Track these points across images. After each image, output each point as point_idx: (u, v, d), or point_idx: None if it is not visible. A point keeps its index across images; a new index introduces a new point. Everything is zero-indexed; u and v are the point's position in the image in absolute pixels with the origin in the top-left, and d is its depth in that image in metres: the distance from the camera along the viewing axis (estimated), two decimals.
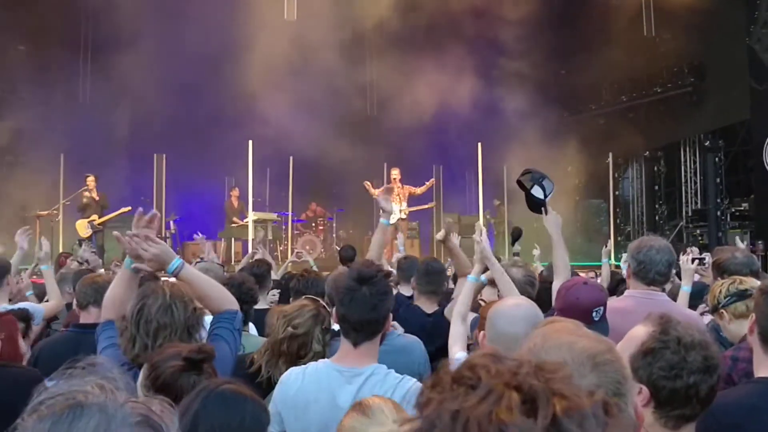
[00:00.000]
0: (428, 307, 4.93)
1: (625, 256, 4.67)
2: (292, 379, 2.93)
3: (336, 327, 3.21)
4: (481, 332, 2.90)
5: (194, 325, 2.90)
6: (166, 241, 15.67)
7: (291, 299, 5.30)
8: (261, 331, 4.51)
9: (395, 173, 15.15)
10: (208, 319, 3.13)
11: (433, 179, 15.05)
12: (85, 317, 4.20)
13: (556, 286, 4.14)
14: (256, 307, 4.59)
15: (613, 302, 4.34)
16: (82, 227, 13.87)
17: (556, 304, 3.54)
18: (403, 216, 14.63)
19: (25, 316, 4.25)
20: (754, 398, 2.38)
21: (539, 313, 2.83)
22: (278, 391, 2.93)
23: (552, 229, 4.44)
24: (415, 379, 2.81)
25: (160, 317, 2.82)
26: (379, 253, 4.74)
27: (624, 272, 4.93)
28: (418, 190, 14.94)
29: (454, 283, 5.89)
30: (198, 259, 6.85)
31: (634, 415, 1.36)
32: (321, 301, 3.58)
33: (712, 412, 2.12)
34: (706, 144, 16.07)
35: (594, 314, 3.31)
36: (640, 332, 2.02)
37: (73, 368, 1.22)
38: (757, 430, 2.33)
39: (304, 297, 3.67)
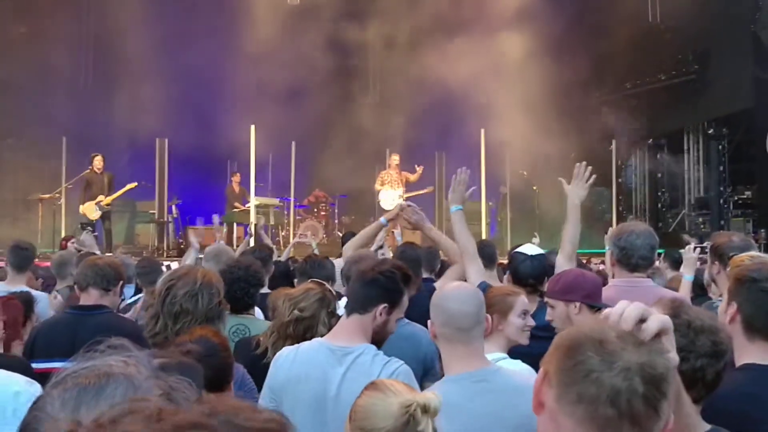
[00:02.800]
0: None
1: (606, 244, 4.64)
2: (284, 358, 3.01)
3: (341, 311, 3.27)
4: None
5: (214, 317, 2.94)
6: (167, 226, 15.82)
7: (296, 281, 5.34)
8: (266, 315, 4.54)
9: (395, 159, 15.22)
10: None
11: (422, 166, 15.13)
12: (85, 299, 4.17)
13: (558, 262, 4.12)
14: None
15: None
16: (91, 210, 13.78)
17: (581, 292, 3.52)
18: (401, 201, 14.65)
19: (28, 300, 4.26)
20: (754, 386, 2.39)
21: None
22: (271, 370, 3.02)
23: (571, 199, 4.36)
24: (402, 362, 2.88)
25: (184, 302, 2.88)
26: (359, 245, 4.85)
27: (607, 261, 4.91)
28: (412, 177, 15.04)
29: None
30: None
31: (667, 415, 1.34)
32: (327, 285, 3.60)
33: (717, 401, 2.14)
34: (710, 132, 16.04)
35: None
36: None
37: (94, 349, 1.23)
38: (761, 417, 2.34)
39: (309, 280, 3.69)
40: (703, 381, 1.99)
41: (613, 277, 4.03)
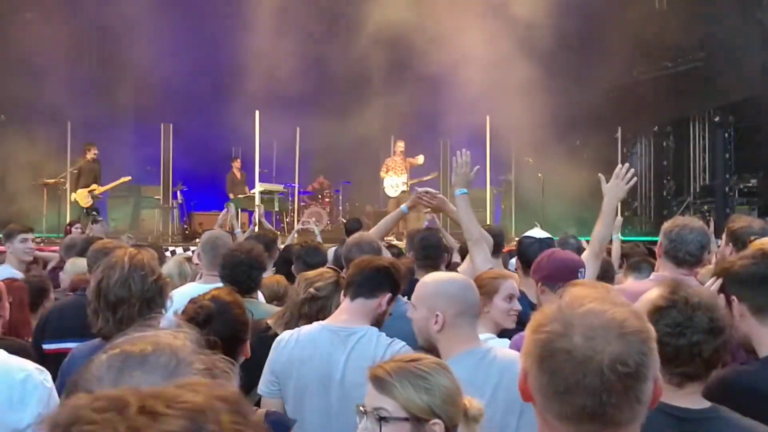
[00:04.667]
0: None
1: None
2: (286, 341, 3.07)
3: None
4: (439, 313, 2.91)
5: (154, 297, 2.86)
6: (173, 212, 15.87)
7: (293, 267, 5.41)
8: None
9: (400, 145, 15.24)
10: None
11: (421, 155, 15.20)
12: None
13: (585, 258, 4.08)
14: None
15: (633, 285, 4.32)
16: (83, 197, 13.87)
17: (541, 272, 3.55)
18: (405, 189, 14.74)
19: (42, 287, 4.29)
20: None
21: None
22: (272, 354, 3.04)
23: (607, 198, 4.27)
24: (404, 342, 2.92)
25: (117, 290, 2.81)
26: (382, 234, 4.89)
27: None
28: (419, 161, 15.18)
29: (462, 257, 5.86)
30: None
31: (653, 388, 1.36)
32: (341, 272, 3.67)
33: (739, 393, 2.22)
34: (716, 120, 15.97)
35: (579, 274, 3.51)
36: (653, 294, 2.09)
37: (145, 326, 1.30)
38: None
39: (326, 266, 3.78)
40: (700, 356, 2.03)
41: (657, 270, 3.98)
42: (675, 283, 2.15)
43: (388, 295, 3.08)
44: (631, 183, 4.28)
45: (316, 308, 3.42)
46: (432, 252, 4.96)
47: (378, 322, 3.10)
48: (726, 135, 15.77)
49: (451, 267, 5.39)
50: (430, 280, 2.88)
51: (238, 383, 1.25)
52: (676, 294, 2.08)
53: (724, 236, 4.35)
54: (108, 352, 1.21)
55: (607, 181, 4.29)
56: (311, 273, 3.66)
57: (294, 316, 3.45)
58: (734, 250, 4.02)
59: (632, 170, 4.26)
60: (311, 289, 3.43)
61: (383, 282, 3.09)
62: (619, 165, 4.34)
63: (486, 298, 3.37)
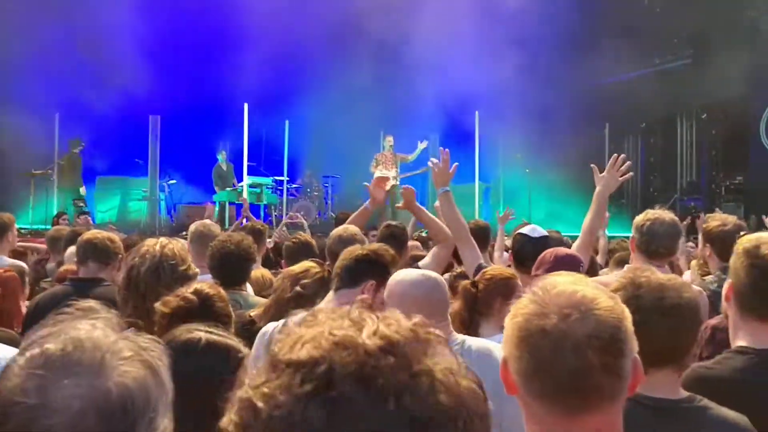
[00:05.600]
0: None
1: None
2: (272, 331, 3.06)
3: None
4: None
5: (181, 285, 2.90)
6: (160, 204, 15.80)
7: (284, 261, 5.35)
8: None
9: (390, 140, 15.17)
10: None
11: (425, 142, 15.02)
12: (84, 272, 4.23)
13: (575, 249, 4.09)
14: None
15: (602, 278, 4.33)
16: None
17: (544, 267, 3.55)
18: (395, 182, 14.62)
19: (21, 272, 4.27)
20: (746, 373, 2.39)
21: None
22: (257, 343, 3.04)
23: (600, 188, 4.21)
24: None
25: (147, 278, 2.85)
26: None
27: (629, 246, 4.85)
28: (410, 157, 15.01)
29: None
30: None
31: (633, 368, 1.39)
32: (326, 265, 3.62)
33: (706, 384, 2.19)
34: (703, 117, 16.06)
35: (580, 269, 3.54)
36: (610, 278, 2.10)
37: (63, 313, 1.22)
38: (751, 403, 2.35)
39: (310, 260, 3.71)
40: (650, 338, 2.00)
41: (631, 263, 4.00)
42: (634, 268, 2.18)
43: (371, 283, 3.04)
44: (627, 176, 4.24)
45: (302, 305, 3.37)
46: (393, 243, 4.93)
47: None
48: (713, 132, 15.86)
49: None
50: (397, 280, 2.83)
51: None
52: (628, 277, 2.09)
53: (700, 236, 4.35)
54: (25, 354, 1.12)
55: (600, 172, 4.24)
56: (296, 268, 3.59)
57: (279, 311, 3.41)
58: (712, 251, 4.04)
59: (628, 163, 4.20)
60: (297, 287, 3.39)
61: (364, 270, 3.07)
62: (615, 155, 4.28)
63: (503, 299, 3.34)
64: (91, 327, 1.16)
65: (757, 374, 2.37)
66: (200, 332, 2.13)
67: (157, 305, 2.54)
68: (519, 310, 1.42)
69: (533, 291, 1.44)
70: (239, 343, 2.24)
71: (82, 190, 14.36)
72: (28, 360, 1.11)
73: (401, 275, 2.87)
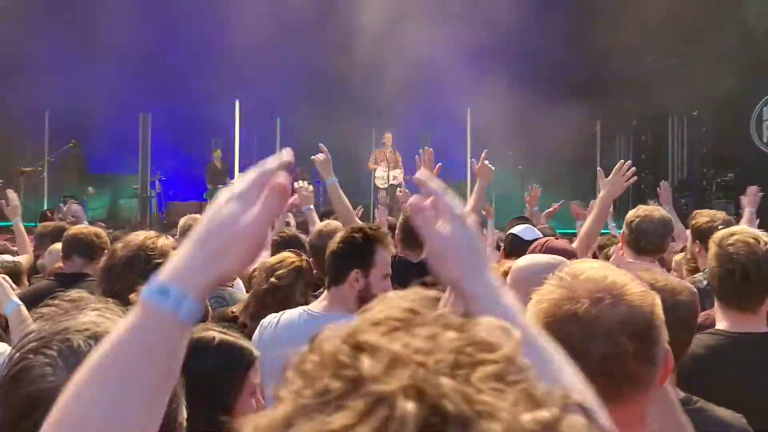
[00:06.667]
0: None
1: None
2: (268, 323, 3.10)
3: None
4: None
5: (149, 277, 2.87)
6: (150, 201, 15.74)
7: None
8: None
9: (388, 137, 15.01)
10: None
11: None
12: (69, 267, 4.23)
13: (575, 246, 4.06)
14: None
15: None
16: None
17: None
18: (394, 182, 14.39)
19: (16, 271, 4.26)
20: (713, 350, 2.51)
21: None
22: (255, 337, 3.04)
23: (604, 191, 4.09)
24: None
25: (120, 271, 2.80)
26: (350, 220, 4.80)
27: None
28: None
29: None
30: None
31: (663, 360, 1.36)
32: (304, 255, 3.59)
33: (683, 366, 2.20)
34: (694, 114, 16.08)
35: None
36: None
37: (48, 305, 1.20)
38: (708, 381, 2.37)
39: (287, 250, 3.67)
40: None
41: (614, 253, 4.00)
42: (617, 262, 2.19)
43: (355, 272, 3.01)
44: (631, 181, 4.15)
45: (280, 298, 3.32)
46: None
47: (365, 300, 3.01)
48: (704, 130, 15.90)
49: None
50: (525, 264, 2.73)
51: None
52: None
53: (689, 233, 4.36)
54: (52, 348, 1.11)
55: (606, 176, 4.17)
56: (272, 259, 3.53)
57: (257, 306, 3.37)
58: (701, 247, 4.04)
59: (633, 168, 4.11)
60: (272, 279, 3.34)
61: (344, 263, 3.05)
62: (621, 161, 4.20)
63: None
64: (103, 318, 1.17)
65: (725, 352, 2.49)
66: (214, 332, 2.11)
67: (133, 296, 2.51)
68: (544, 296, 1.38)
69: (559, 276, 1.40)
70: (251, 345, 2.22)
71: (90, 190, 14.22)
72: (58, 353, 1.10)
73: (528, 260, 2.75)
